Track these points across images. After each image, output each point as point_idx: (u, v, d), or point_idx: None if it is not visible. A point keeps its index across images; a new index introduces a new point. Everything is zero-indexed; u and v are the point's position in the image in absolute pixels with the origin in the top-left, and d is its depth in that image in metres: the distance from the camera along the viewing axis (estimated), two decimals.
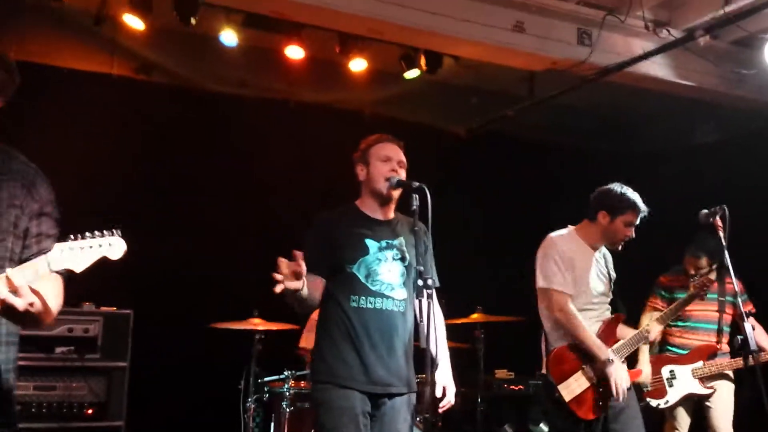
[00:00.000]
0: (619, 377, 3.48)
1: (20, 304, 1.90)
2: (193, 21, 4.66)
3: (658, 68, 5.18)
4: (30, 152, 2.37)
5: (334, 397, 2.85)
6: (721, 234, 3.40)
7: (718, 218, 3.40)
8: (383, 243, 3.01)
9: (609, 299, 3.78)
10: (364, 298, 2.92)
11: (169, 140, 5.44)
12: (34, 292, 1.94)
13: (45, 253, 2.09)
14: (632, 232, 3.65)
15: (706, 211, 3.45)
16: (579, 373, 3.52)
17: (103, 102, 5.19)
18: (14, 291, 1.89)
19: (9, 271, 1.90)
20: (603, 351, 3.50)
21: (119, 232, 2.00)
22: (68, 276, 2.14)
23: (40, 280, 2.03)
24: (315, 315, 3.25)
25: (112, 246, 1.98)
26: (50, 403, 4.34)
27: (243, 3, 4.64)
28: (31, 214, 2.18)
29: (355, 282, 2.93)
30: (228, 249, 5.46)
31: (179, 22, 4.66)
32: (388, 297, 2.95)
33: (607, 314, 3.74)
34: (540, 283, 3.63)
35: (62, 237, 2.05)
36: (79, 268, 1.97)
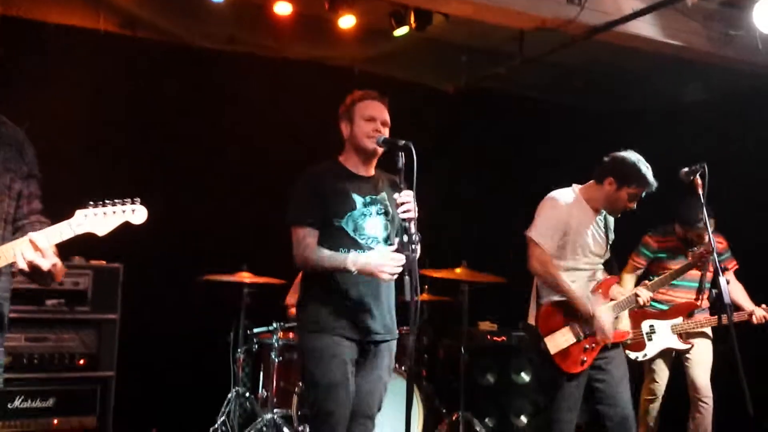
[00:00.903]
0: (602, 328, 3.56)
1: (46, 265, 2.07)
2: None
3: (646, 28, 5.17)
4: (18, 109, 2.41)
5: (323, 345, 2.97)
6: (701, 192, 3.46)
7: (698, 176, 3.46)
8: (367, 198, 3.10)
9: (603, 260, 3.84)
10: (352, 250, 3.00)
11: (157, 96, 5.42)
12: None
13: (35, 213, 2.26)
14: (634, 205, 3.67)
15: (686, 169, 3.50)
16: (566, 329, 3.62)
17: (90, 57, 5.14)
18: (39, 253, 2.05)
19: (32, 234, 2.06)
20: (587, 306, 3.59)
21: (139, 201, 2.18)
22: None
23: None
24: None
25: (135, 212, 2.17)
26: (42, 354, 4.41)
27: None
28: (22, 176, 2.28)
29: (343, 235, 3.02)
30: (217, 203, 5.50)
31: None
32: (373, 250, 3.03)
33: (600, 275, 3.82)
34: (529, 232, 3.67)
35: (78, 203, 2.16)
36: (102, 232, 2.14)
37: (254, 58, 5.72)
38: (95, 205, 2.14)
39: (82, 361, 4.50)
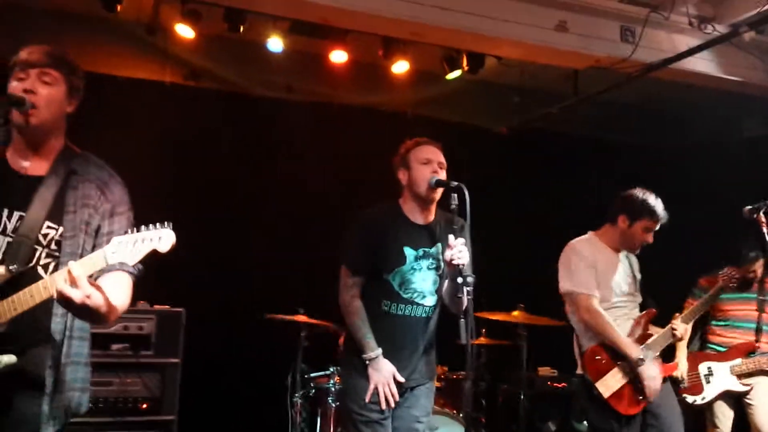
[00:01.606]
0: (650, 377, 3.48)
1: (77, 295, 1.93)
2: (241, 29, 4.82)
3: (703, 64, 5.12)
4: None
5: (360, 387, 3.02)
6: (765, 230, 3.36)
7: (761, 214, 3.37)
8: (420, 251, 3.11)
9: (637, 300, 3.82)
10: (395, 304, 3.06)
11: (219, 143, 5.62)
12: (95, 285, 1.99)
13: None
14: (650, 238, 3.70)
15: (749, 207, 3.42)
16: (615, 369, 3.55)
17: (157, 108, 5.38)
18: (73, 283, 1.94)
19: (71, 263, 1.98)
20: (633, 350, 3.52)
21: (170, 225, 2.05)
22: (139, 276, 2.28)
23: (104, 277, 2.16)
24: None
25: (162, 239, 2.03)
26: (107, 398, 4.48)
27: (289, 10, 4.76)
28: (103, 213, 2.30)
29: (389, 288, 3.07)
30: (274, 248, 5.59)
31: (228, 31, 4.83)
32: (418, 305, 3.08)
33: (636, 312, 3.77)
34: (564, 287, 3.69)
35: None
36: (131, 261, 2.04)
37: (310, 105, 5.89)
38: (130, 233, 2.07)
39: (145, 405, 4.57)
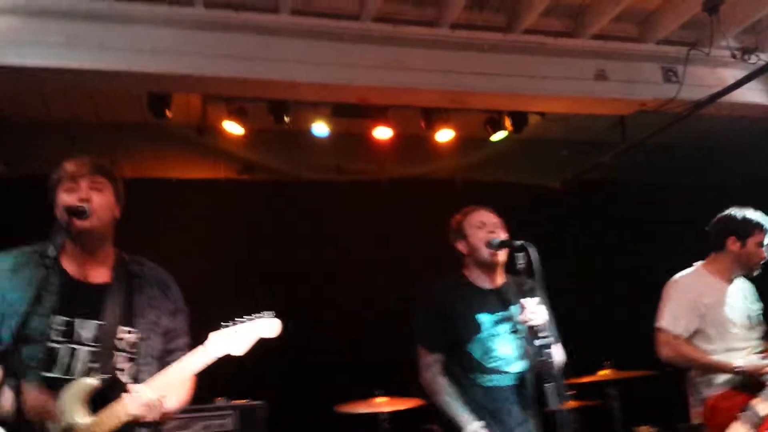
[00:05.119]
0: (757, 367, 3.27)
1: (151, 416, 2.11)
2: (286, 119, 4.97)
3: (752, 94, 4.99)
4: (148, 256, 2.57)
5: None
6: None
7: None
8: (496, 316, 3.01)
9: (760, 331, 3.58)
10: (481, 375, 2.93)
11: (277, 231, 5.71)
12: (161, 400, 2.13)
13: (182, 348, 2.28)
14: (765, 254, 3.54)
15: None
16: (739, 422, 3.28)
17: (214, 204, 5.53)
18: (148, 407, 2.08)
19: (143, 388, 2.11)
20: (726, 364, 3.33)
21: (272, 313, 2.14)
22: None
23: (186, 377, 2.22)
24: None
25: (269, 326, 2.13)
26: None
27: (328, 95, 4.87)
28: (168, 312, 2.39)
29: (471, 360, 2.95)
30: (343, 332, 5.54)
31: (274, 123, 4.97)
32: (505, 373, 2.95)
33: (761, 344, 3.54)
34: (657, 322, 3.52)
35: (201, 330, 2.19)
36: (238, 352, 2.12)
37: (359, 183, 5.95)
38: (228, 326, 2.14)
39: None
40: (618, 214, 6.44)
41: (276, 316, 2.16)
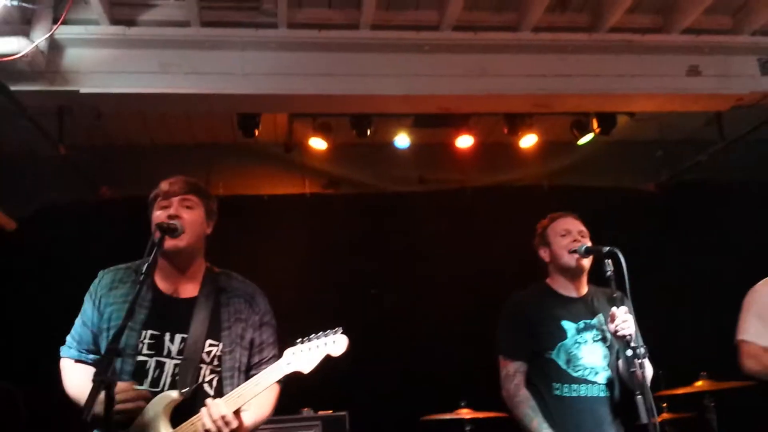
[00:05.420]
0: None
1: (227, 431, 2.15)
2: (368, 132, 5.04)
3: None
4: (239, 270, 2.66)
5: None
6: None
7: None
8: (581, 324, 2.93)
9: None
10: (567, 385, 2.84)
11: (362, 244, 5.76)
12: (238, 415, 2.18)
13: (267, 360, 2.34)
14: None
15: None
16: None
17: (301, 218, 5.66)
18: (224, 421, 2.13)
19: (218, 402, 2.17)
20: None
21: (341, 329, 2.16)
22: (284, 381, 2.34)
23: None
24: None
25: (336, 343, 2.15)
26: None
27: (409, 107, 4.90)
28: (254, 325, 2.45)
29: (555, 368, 2.86)
30: (428, 342, 5.52)
31: (357, 136, 5.05)
32: (592, 383, 2.85)
33: None
34: (737, 335, 3.37)
35: (288, 343, 2.25)
36: (306, 369, 2.15)
37: (443, 193, 5.93)
38: (302, 341, 2.19)
39: None
40: (717, 215, 6.11)
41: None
